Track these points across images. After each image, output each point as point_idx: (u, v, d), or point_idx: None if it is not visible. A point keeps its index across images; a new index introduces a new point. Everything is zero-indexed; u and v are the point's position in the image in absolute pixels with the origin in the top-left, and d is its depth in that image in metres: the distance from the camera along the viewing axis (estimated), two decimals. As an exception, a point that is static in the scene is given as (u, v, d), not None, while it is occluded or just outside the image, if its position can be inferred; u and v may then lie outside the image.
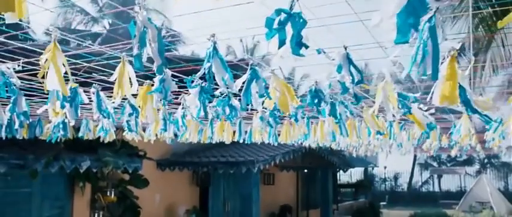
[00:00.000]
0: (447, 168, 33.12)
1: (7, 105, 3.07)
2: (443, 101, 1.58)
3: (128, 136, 3.70)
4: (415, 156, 33.08)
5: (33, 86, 2.50)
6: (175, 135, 4.72)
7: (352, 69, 1.72)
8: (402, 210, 25.26)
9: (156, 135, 4.14)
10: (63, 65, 1.76)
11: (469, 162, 32.79)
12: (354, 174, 25.55)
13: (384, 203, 26.84)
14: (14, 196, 5.81)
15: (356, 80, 1.73)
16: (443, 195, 32.05)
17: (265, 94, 2.01)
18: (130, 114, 2.55)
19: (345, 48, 1.72)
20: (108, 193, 6.36)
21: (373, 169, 25.86)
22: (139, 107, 2.12)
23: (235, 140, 4.80)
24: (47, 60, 1.75)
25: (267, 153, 8.37)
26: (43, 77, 1.78)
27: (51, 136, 4.16)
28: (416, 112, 2.82)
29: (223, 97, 2.29)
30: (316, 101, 2.02)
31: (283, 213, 12.48)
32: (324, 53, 1.69)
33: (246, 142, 5.08)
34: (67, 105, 2.06)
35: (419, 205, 24.65)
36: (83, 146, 6.44)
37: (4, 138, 5.85)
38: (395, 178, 34.76)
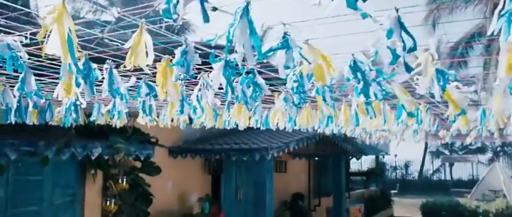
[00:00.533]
0: (459, 156, 32.80)
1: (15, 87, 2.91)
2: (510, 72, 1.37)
3: (141, 121, 3.52)
4: (426, 144, 32.83)
5: (43, 64, 2.32)
6: (190, 121, 4.55)
7: (404, 35, 1.51)
8: (413, 198, 25.10)
9: (171, 119, 3.97)
10: (70, 30, 1.56)
11: (481, 150, 32.45)
12: (364, 163, 25.33)
13: (395, 191, 26.67)
14: (25, 183, 5.70)
15: (408, 47, 1.52)
16: (454, 184, 31.79)
17: (294, 65, 1.82)
18: (147, 94, 2.37)
19: (397, 11, 1.51)
20: (120, 181, 6.23)
21: (383, 157, 25.64)
22: (157, 85, 1.93)
23: (251, 126, 4.62)
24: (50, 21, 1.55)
25: (281, 139, 8.19)
26: (42, 42, 1.57)
27: (63, 121, 4.01)
28: (453, 92, 2.61)
29: (247, 74, 2.09)
30: (355, 76, 1.81)
31: (295, 201, 12.33)
32: (371, 17, 1.49)
33: (261, 128, 4.90)
34: (81, 81, 1.87)
35: (431, 193, 24.46)
36: (93, 133, 6.31)
37: (14, 124, 5.73)
38: (406, 166, 34.56)
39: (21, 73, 2.12)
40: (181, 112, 3.04)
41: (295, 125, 4.62)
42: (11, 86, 2.89)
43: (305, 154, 12.10)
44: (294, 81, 2.04)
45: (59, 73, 2.30)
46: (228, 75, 1.84)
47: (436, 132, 7.46)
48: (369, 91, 2.31)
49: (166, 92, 1.95)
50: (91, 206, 6.60)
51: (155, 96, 2.41)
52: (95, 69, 1.93)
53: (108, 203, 6.01)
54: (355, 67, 1.82)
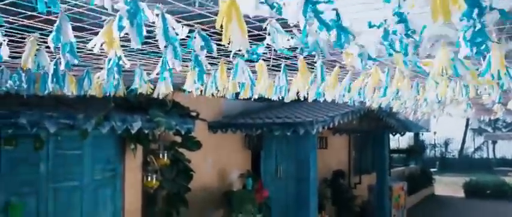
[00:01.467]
0: (503, 134, 31.46)
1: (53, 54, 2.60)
2: None
3: (189, 86, 3.17)
4: (467, 121, 31.65)
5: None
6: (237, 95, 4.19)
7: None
8: (454, 176, 24.29)
9: (217, 88, 3.60)
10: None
11: (527, 127, 31.05)
12: (401, 140, 24.56)
13: (435, 169, 25.89)
14: (65, 158, 5.52)
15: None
16: (498, 162, 30.64)
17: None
18: (202, 48, 2.00)
19: None
20: (161, 156, 5.98)
21: (422, 135, 24.81)
22: (221, 27, 1.54)
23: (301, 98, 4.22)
24: None
25: (325, 113, 7.76)
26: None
27: (103, 88, 3.72)
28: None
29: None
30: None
31: (336, 178, 11.94)
32: None
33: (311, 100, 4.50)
34: (126, 23, 1.52)
35: (472, 172, 23.59)
36: (132, 107, 6.06)
37: (53, 97, 5.52)
38: (446, 144, 33.52)
39: (56, 18, 1.80)
40: (236, 74, 2.67)
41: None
42: (46, 47, 2.58)
43: (347, 129, 11.61)
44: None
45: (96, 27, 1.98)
46: (312, 7, 1.42)
47: (494, 105, 6.88)
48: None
49: (229, 38, 1.57)
50: (131, 182, 6.41)
51: (210, 48, 2.03)
52: (143, 9, 1.56)
53: (149, 179, 5.78)
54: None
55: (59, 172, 5.43)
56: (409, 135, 21.93)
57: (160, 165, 5.88)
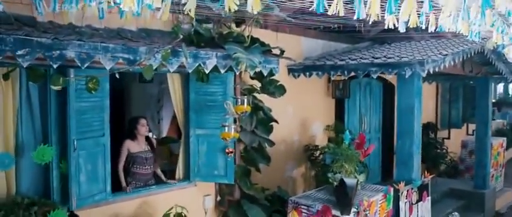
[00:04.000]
0: None
1: None
2: None
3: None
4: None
5: None
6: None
7: None
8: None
9: None
10: None
11: None
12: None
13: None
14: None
15: None
16: None
17: None
18: None
19: None
20: (239, 102, 4.84)
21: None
22: None
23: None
24: None
25: (424, 53, 6.25)
26: None
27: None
28: None
29: None
30: None
31: (425, 131, 10.43)
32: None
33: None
34: None
35: None
36: (203, 43, 4.94)
37: (107, 29, 4.48)
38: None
39: None
40: None
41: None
42: None
43: (440, 75, 9.97)
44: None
45: None
46: None
47: None
48: None
49: None
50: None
51: None
52: None
53: (226, 129, 4.69)
54: None
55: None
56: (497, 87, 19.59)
57: (240, 113, 4.76)
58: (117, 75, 3.72)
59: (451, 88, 12.51)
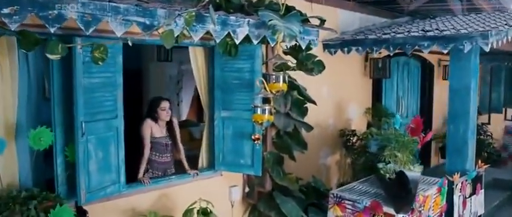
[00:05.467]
0: None
1: None
2: None
3: None
4: None
5: None
6: None
7: None
8: None
9: None
10: None
11: None
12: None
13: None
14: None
15: None
16: None
17: None
18: None
19: None
20: (274, 79, 4.11)
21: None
22: None
23: None
24: None
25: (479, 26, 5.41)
26: None
27: None
28: None
29: None
30: None
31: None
32: None
33: None
34: None
35: None
36: (232, 9, 4.22)
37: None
38: None
39: None
40: None
41: None
42: None
43: (485, 54, 9.08)
44: None
45: None
46: None
47: None
48: None
49: None
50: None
51: None
52: None
53: (258, 111, 3.99)
54: None
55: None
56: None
57: (275, 92, 4.04)
58: (129, 43, 3.02)
59: (492, 70, 11.57)
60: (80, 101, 3.42)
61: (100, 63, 3.09)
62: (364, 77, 7.12)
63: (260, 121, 3.97)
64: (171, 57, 7.97)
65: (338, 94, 6.59)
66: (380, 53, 6.63)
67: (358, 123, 6.98)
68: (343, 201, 4.30)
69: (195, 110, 13.05)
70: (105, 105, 3.70)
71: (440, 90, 8.82)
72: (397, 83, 8.17)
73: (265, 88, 4.01)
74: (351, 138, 6.55)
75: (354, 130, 6.63)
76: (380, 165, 4.21)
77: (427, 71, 9.00)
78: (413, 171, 3.98)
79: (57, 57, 2.87)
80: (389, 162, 4.20)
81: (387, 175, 4.05)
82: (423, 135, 4.58)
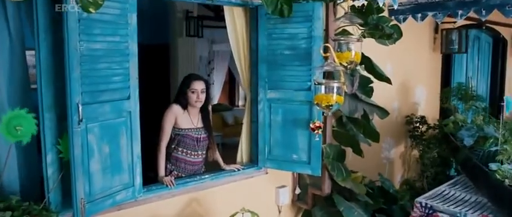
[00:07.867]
0: None
1: None
2: None
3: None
4: None
5: None
6: None
7: None
8: None
9: None
10: None
11: None
12: None
13: None
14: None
15: None
16: None
17: None
18: None
19: None
20: (343, 47, 2.97)
21: None
22: None
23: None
24: None
25: None
26: None
27: None
28: None
29: None
30: None
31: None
32: None
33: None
34: None
35: None
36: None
37: None
38: None
39: None
40: None
41: None
42: None
43: None
44: None
45: None
46: None
47: None
48: None
49: None
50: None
51: None
52: None
53: (322, 89, 2.89)
54: None
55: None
56: None
57: (345, 64, 2.92)
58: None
59: None
60: (73, 74, 2.40)
61: (93, 12, 2.04)
62: (432, 52, 5.88)
63: (326, 104, 2.85)
64: (201, 32, 6.94)
65: (403, 72, 5.40)
66: (455, 22, 5.44)
67: (426, 108, 5.78)
68: (435, 213, 3.16)
69: (226, 93, 12.07)
70: (113, 81, 2.67)
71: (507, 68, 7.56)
72: (467, 61, 6.91)
73: (329, 59, 2.88)
74: (420, 127, 5.37)
75: (424, 116, 5.44)
76: (493, 166, 3.05)
77: (499, 46, 7.67)
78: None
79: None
80: (504, 163, 3.04)
81: (506, 180, 2.89)
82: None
